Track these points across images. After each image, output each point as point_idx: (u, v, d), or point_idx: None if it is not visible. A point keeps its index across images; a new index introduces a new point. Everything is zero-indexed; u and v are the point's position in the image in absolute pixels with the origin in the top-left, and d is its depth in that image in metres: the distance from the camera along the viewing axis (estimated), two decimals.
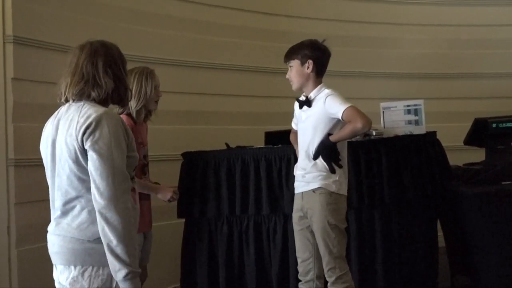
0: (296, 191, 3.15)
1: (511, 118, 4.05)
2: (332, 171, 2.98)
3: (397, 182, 3.61)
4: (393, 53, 5.62)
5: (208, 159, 3.71)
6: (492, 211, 3.72)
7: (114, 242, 1.90)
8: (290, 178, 3.44)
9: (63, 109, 2.10)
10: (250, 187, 3.62)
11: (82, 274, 1.99)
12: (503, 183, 3.85)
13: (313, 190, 3.01)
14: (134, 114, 3.03)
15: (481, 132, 4.06)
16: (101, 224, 1.92)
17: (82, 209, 2.00)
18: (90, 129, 1.95)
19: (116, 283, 1.95)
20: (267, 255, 3.64)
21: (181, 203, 3.74)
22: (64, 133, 2.01)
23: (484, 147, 4.16)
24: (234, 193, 3.64)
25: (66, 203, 2.02)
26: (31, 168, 3.31)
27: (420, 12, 5.75)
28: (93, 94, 2.06)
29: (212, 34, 4.76)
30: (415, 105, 4.00)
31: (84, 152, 1.96)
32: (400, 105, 4.02)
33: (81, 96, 2.06)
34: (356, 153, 3.54)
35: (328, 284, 3.01)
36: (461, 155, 4.42)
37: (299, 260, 3.15)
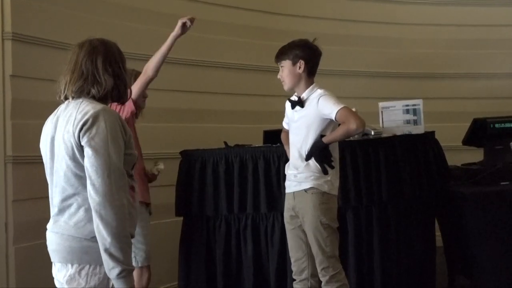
0: (287, 191, 3.15)
1: (510, 118, 4.05)
2: (325, 172, 2.97)
3: (395, 182, 3.61)
4: (392, 52, 5.62)
5: (206, 158, 3.71)
6: (490, 211, 3.72)
7: (108, 239, 1.89)
8: None
9: (62, 106, 2.11)
10: (248, 186, 3.62)
11: (79, 272, 1.98)
12: (501, 183, 3.85)
13: (305, 190, 3.00)
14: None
15: (479, 132, 4.06)
16: (95, 220, 1.91)
17: (79, 207, 2.00)
18: (87, 126, 1.95)
19: None
20: (265, 253, 3.64)
21: (179, 201, 3.74)
22: (62, 129, 2.01)
23: (482, 147, 4.16)
24: (232, 192, 3.64)
25: (63, 200, 2.02)
26: (29, 165, 3.31)
27: (419, 12, 5.75)
28: (93, 91, 2.06)
29: (211, 33, 4.76)
30: (414, 105, 3.99)
31: (81, 149, 1.96)
32: (399, 104, 4.02)
33: (80, 93, 2.06)
34: (355, 152, 3.54)
35: (322, 283, 3.01)
36: (460, 155, 4.42)
37: (292, 260, 3.15)
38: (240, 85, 4.87)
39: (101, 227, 1.90)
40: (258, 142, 3.98)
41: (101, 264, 1.95)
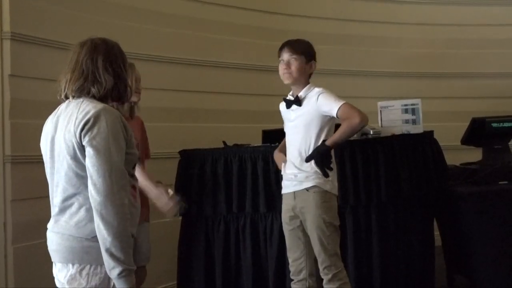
0: (285, 191, 3.13)
1: (509, 118, 4.05)
2: (326, 175, 2.95)
3: (394, 181, 3.61)
4: (391, 52, 5.62)
5: (205, 157, 3.71)
6: (489, 210, 3.73)
7: (109, 239, 1.89)
8: None
9: (63, 106, 2.11)
10: (247, 186, 3.62)
11: (80, 272, 1.98)
12: (500, 182, 3.86)
13: (307, 189, 2.99)
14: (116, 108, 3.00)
15: (478, 131, 4.06)
16: (96, 220, 1.91)
17: (80, 207, 2.00)
18: (88, 125, 1.95)
19: None
20: (264, 253, 3.64)
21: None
22: (63, 129, 2.01)
23: (481, 147, 4.17)
24: (231, 191, 3.64)
25: (64, 200, 2.02)
26: (27, 165, 3.31)
27: (418, 11, 5.75)
28: (93, 90, 2.06)
29: (210, 32, 4.76)
30: (412, 104, 4.00)
31: (82, 148, 1.96)
32: (398, 104, 4.02)
33: (80, 92, 2.06)
34: (353, 152, 3.54)
35: (324, 282, 3.00)
36: (459, 154, 4.42)
37: (290, 260, 3.13)
38: (239, 85, 4.87)
39: (102, 226, 1.90)
40: (257, 141, 3.98)
41: (102, 264, 1.95)
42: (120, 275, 1.91)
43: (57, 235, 2.04)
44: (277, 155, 3.27)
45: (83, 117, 1.97)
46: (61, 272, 2.03)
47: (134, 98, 3.14)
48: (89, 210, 1.96)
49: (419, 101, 4.01)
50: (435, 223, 4.07)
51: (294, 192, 3.06)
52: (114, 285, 1.96)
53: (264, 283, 3.64)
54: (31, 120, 3.18)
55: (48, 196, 2.13)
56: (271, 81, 4.79)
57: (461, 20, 5.79)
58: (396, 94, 4.89)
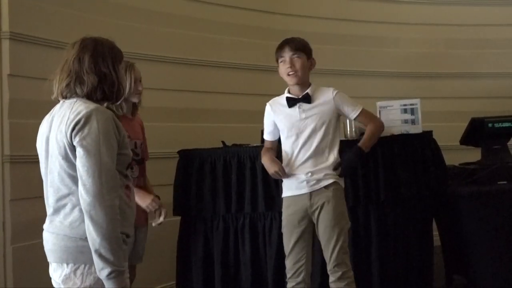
0: (297, 192, 3.06)
1: (508, 118, 4.06)
2: (343, 175, 3.07)
3: (393, 181, 3.61)
4: (390, 52, 5.62)
5: (204, 157, 3.71)
6: (487, 210, 3.73)
7: (97, 240, 1.89)
8: None
9: (57, 106, 2.11)
10: (246, 185, 3.61)
11: (75, 272, 1.99)
12: (499, 182, 3.86)
13: (325, 187, 3.01)
14: (114, 108, 2.98)
15: (477, 131, 4.07)
16: (86, 221, 1.91)
17: (73, 207, 1.99)
18: (79, 125, 1.95)
19: None
20: (263, 253, 3.64)
21: (177, 200, 3.74)
22: (56, 129, 2.01)
23: (480, 147, 4.17)
24: (230, 191, 3.64)
25: (58, 200, 2.02)
26: (26, 164, 3.31)
27: (417, 11, 5.75)
28: (78, 91, 2.05)
29: (209, 32, 4.76)
30: (411, 104, 4.00)
31: (73, 149, 1.96)
32: (397, 104, 4.02)
33: (68, 92, 2.06)
34: None
35: (332, 280, 2.98)
36: (457, 154, 4.42)
37: (291, 262, 3.08)
38: (238, 85, 4.87)
39: (91, 227, 1.90)
40: (256, 141, 3.97)
41: None
42: (109, 276, 1.90)
43: (52, 235, 2.04)
44: (273, 162, 3.10)
45: (75, 117, 1.97)
46: (56, 272, 2.04)
47: (134, 99, 3.13)
48: (82, 210, 1.96)
49: (418, 101, 4.01)
50: (434, 223, 4.07)
51: (311, 193, 3.03)
52: None
53: (263, 283, 3.64)
54: (30, 120, 3.17)
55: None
56: (270, 81, 4.80)
57: (460, 20, 5.79)
58: (395, 94, 4.89)
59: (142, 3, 4.36)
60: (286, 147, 3.13)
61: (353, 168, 3.10)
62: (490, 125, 3.99)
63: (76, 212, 1.99)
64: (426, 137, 3.92)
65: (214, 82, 4.74)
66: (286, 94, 3.14)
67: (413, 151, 3.75)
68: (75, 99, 2.05)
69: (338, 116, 3.10)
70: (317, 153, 3.02)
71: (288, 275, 3.10)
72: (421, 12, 5.75)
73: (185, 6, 4.65)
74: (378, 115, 4.01)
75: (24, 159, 3.33)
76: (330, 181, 3.01)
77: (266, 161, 3.15)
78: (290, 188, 3.11)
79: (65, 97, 2.07)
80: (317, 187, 3.02)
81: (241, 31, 4.95)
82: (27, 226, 3.32)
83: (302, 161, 3.06)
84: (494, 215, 3.72)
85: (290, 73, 3.05)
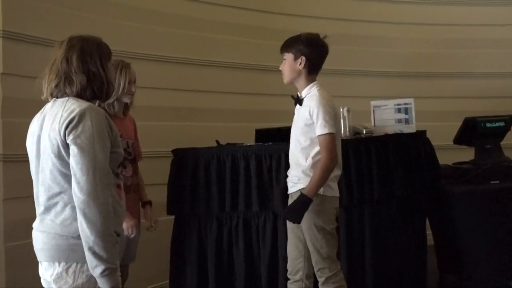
0: (288, 191, 3.09)
1: (501, 117, 4.08)
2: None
3: (386, 181, 3.62)
4: (384, 51, 5.63)
5: (198, 156, 3.70)
6: (480, 210, 3.75)
7: (91, 237, 1.88)
8: (280, 176, 3.44)
9: (48, 105, 2.10)
10: (240, 185, 3.61)
11: (67, 270, 1.98)
12: (491, 182, 3.88)
13: (300, 191, 2.90)
14: (105, 107, 2.97)
15: (470, 131, 4.09)
16: (79, 218, 1.91)
17: (65, 205, 1.99)
18: (73, 124, 1.94)
19: None
20: (257, 252, 3.64)
21: (170, 200, 3.73)
22: (48, 128, 2.00)
23: (473, 146, 4.19)
24: (224, 190, 3.64)
25: (49, 198, 2.01)
26: (20, 163, 3.28)
27: (411, 11, 5.76)
28: (67, 91, 2.05)
29: (206, 32, 4.75)
30: (405, 104, 4.01)
31: (66, 147, 1.95)
32: (391, 103, 4.03)
33: (57, 93, 2.06)
34: (346, 151, 3.53)
35: (319, 284, 2.97)
36: (451, 154, 4.44)
37: (289, 258, 3.11)
38: (232, 84, 4.87)
39: (84, 225, 1.89)
40: (250, 140, 3.98)
41: None
42: (102, 273, 1.90)
43: (43, 234, 2.03)
44: None
45: (68, 115, 1.96)
46: (47, 271, 2.03)
47: (126, 99, 3.12)
48: (74, 208, 1.95)
49: (412, 100, 4.03)
50: (427, 222, 4.09)
51: (291, 194, 3.03)
52: None
53: (257, 282, 3.64)
54: (23, 119, 3.13)
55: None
56: (265, 80, 4.82)
57: (455, 20, 5.80)
58: (389, 94, 4.89)
59: (137, 2, 4.34)
60: None
61: (296, 215, 2.85)
62: (483, 124, 4.01)
63: (67, 210, 1.98)
64: (420, 137, 3.94)
65: (208, 81, 4.73)
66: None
67: (407, 150, 3.77)
68: (67, 98, 2.05)
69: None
70: (294, 156, 3.00)
71: (287, 273, 3.12)
72: (415, 12, 5.76)
73: (182, 6, 4.64)
74: (372, 115, 4.02)
75: (18, 158, 3.31)
76: (301, 186, 2.89)
77: None
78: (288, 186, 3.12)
79: (55, 97, 2.07)
80: (294, 189, 2.98)
81: (238, 31, 4.94)
82: (20, 225, 3.30)
83: (291, 160, 3.06)
84: (487, 215, 3.74)
85: (282, 74, 3.06)
